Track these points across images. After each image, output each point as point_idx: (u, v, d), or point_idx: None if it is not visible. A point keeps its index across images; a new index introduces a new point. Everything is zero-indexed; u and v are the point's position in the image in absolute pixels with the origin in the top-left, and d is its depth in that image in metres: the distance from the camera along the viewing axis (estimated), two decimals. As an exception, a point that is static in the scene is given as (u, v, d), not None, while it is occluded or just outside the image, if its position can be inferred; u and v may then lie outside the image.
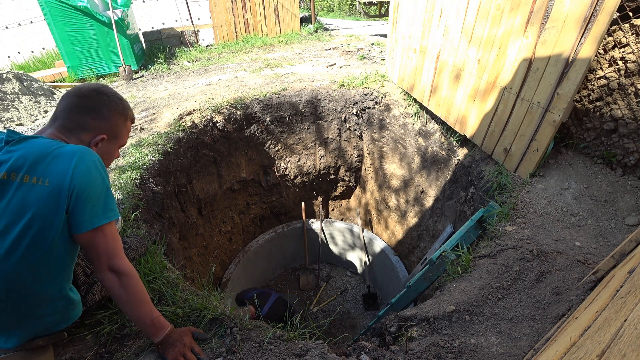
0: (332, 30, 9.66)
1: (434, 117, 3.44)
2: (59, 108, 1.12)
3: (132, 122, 1.30)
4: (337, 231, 4.94)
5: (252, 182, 4.49)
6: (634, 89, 1.86)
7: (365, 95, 4.19)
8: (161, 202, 2.62)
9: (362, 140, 4.63)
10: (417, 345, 1.39)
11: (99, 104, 1.14)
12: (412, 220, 4.18)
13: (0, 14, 7.26)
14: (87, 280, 1.31)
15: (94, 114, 1.13)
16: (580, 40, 1.74)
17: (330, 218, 5.39)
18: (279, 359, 1.31)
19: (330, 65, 5.34)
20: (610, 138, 2.05)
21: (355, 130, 4.52)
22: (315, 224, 4.93)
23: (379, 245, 4.55)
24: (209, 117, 3.60)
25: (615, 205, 1.95)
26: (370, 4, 10.28)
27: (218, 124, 3.68)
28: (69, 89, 1.26)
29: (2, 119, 3.57)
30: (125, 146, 2.95)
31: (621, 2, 1.65)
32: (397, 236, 4.56)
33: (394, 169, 4.33)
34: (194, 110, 3.61)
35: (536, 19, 1.96)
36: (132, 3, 6.37)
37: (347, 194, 5.29)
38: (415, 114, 3.71)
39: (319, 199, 5.21)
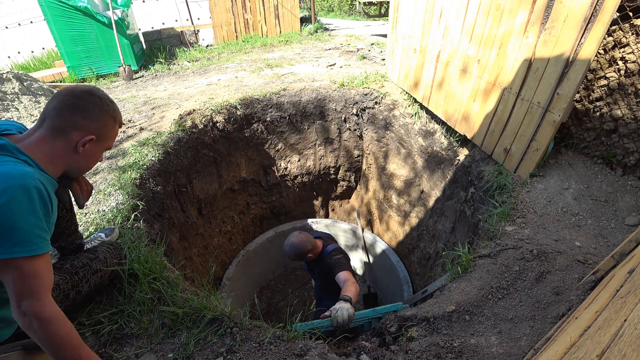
0: (332, 30, 9.66)
1: (434, 117, 3.44)
2: (49, 107, 1.10)
3: (120, 126, 1.29)
4: (340, 232, 4.95)
5: (252, 182, 4.48)
6: (634, 89, 1.86)
7: (366, 95, 4.19)
8: (161, 202, 2.62)
9: (362, 140, 4.63)
10: (417, 345, 1.39)
11: (91, 104, 1.14)
12: (412, 220, 4.18)
13: (0, 14, 7.26)
14: None
15: (85, 113, 1.12)
16: (580, 40, 1.74)
17: (329, 218, 5.39)
18: (279, 359, 1.31)
19: (330, 65, 5.34)
20: (610, 138, 2.05)
21: (356, 130, 4.52)
22: (315, 226, 4.93)
23: (379, 245, 4.55)
24: (209, 117, 3.60)
25: (615, 205, 1.95)
26: (370, 4, 10.28)
27: (218, 124, 3.68)
28: (60, 89, 1.21)
29: (2, 119, 3.57)
30: (125, 147, 2.95)
31: (621, 2, 1.65)
32: (398, 236, 4.55)
33: (394, 168, 4.33)
34: (194, 110, 3.61)
35: (536, 19, 1.96)
36: (132, 3, 6.37)
37: (347, 194, 5.29)
38: (416, 114, 3.71)
39: (319, 199, 5.21)
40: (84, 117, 1.12)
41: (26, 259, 0.94)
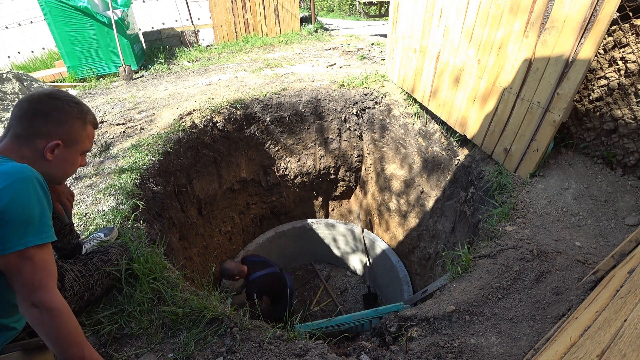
0: (332, 30, 9.66)
1: (434, 117, 3.44)
2: (12, 116, 1.07)
3: (95, 127, 1.22)
4: (339, 233, 4.95)
5: (252, 182, 4.48)
6: (634, 89, 1.86)
7: (365, 95, 4.19)
8: (161, 202, 2.61)
9: (362, 140, 4.62)
10: (417, 345, 1.39)
11: (51, 108, 1.09)
12: (412, 220, 4.18)
13: (0, 14, 7.27)
14: None
15: (46, 118, 1.07)
16: (580, 41, 1.74)
17: (330, 218, 5.39)
18: (279, 359, 1.31)
19: (330, 65, 5.34)
20: (610, 138, 2.05)
21: (355, 130, 4.52)
22: (315, 226, 4.93)
23: (379, 246, 4.55)
24: (209, 117, 3.60)
25: (615, 205, 1.95)
26: (370, 4, 10.28)
27: (218, 124, 3.68)
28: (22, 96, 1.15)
29: (2, 119, 3.57)
30: (125, 147, 2.95)
31: (621, 2, 1.65)
32: (397, 236, 4.56)
33: (394, 169, 4.33)
34: (194, 110, 3.61)
35: (536, 19, 1.96)
36: (132, 3, 6.37)
37: (347, 194, 5.29)
38: (416, 114, 3.71)
39: (319, 199, 5.21)
40: (44, 122, 1.07)
41: (37, 248, 0.95)
